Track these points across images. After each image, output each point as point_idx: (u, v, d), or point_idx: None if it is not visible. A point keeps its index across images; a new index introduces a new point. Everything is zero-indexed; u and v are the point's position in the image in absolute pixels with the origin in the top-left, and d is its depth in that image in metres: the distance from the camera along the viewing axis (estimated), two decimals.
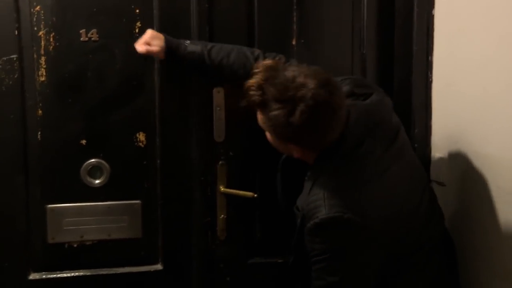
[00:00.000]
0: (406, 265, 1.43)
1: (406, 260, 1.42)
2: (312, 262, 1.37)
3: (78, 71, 1.72)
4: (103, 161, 1.77)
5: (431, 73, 1.78)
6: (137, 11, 1.72)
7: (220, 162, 1.82)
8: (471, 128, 1.61)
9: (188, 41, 1.66)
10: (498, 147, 1.49)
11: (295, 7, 1.81)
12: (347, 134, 1.35)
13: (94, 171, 1.77)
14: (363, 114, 1.39)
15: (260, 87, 1.31)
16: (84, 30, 1.70)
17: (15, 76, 1.68)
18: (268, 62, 1.39)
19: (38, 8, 1.67)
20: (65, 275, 1.79)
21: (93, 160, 1.76)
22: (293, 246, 1.49)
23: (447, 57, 1.71)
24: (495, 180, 1.51)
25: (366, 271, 1.37)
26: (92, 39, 1.70)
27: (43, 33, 1.68)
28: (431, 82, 1.79)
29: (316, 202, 1.34)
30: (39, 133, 1.73)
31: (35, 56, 1.69)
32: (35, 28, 1.68)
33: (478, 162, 1.58)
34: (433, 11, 1.76)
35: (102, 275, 1.81)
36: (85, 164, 1.76)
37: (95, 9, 1.70)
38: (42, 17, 1.68)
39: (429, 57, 1.78)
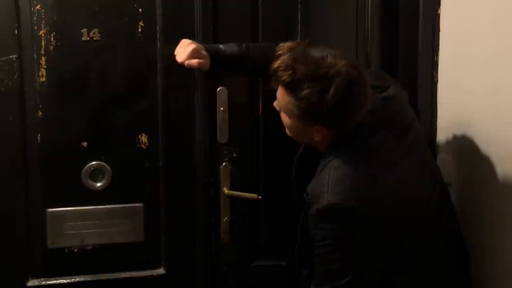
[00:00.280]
0: (414, 259, 1.41)
1: (414, 254, 1.41)
2: (314, 247, 1.37)
3: (79, 72, 1.68)
4: (104, 164, 1.73)
5: (436, 73, 1.77)
6: (140, 10, 1.69)
7: (224, 164, 1.80)
8: (478, 128, 1.60)
9: (221, 45, 1.64)
10: (507, 147, 1.49)
11: (299, 7, 1.79)
12: (362, 123, 1.36)
13: (96, 174, 1.73)
14: (379, 106, 1.40)
15: (289, 66, 1.29)
16: (85, 29, 1.66)
17: (15, 77, 1.64)
18: (291, 43, 1.37)
19: (38, 7, 1.63)
20: (65, 281, 1.75)
21: (94, 162, 1.73)
22: (299, 231, 1.50)
23: (453, 56, 1.71)
24: (504, 179, 1.50)
25: (368, 262, 1.35)
26: (94, 38, 1.67)
27: (43, 33, 1.64)
28: (436, 82, 1.78)
29: (321, 188, 1.34)
30: (39, 135, 1.69)
31: (35, 56, 1.65)
32: (36, 28, 1.64)
33: (486, 162, 1.57)
34: (438, 11, 1.75)
35: (103, 280, 1.77)
36: (86, 166, 1.72)
37: (97, 8, 1.66)
38: (43, 16, 1.64)
39: (435, 57, 1.77)
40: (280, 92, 1.36)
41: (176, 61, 1.61)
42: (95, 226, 1.75)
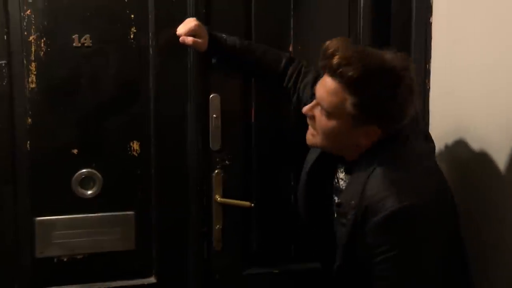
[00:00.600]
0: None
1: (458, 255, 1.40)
2: (377, 262, 1.28)
3: (70, 78, 1.66)
4: (95, 171, 1.71)
5: (428, 80, 1.78)
6: (132, 16, 1.67)
7: (216, 171, 1.78)
8: (470, 134, 1.62)
9: (224, 35, 1.63)
10: (499, 153, 1.50)
11: (292, 13, 1.79)
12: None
13: (86, 182, 1.71)
14: None
15: (355, 61, 1.25)
16: (77, 35, 1.64)
17: (4, 83, 1.61)
18: (338, 39, 1.32)
19: (28, 12, 1.60)
20: None
21: (85, 170, 1.70)
22: (341, 249, 1.38)
23: (445, 64, 1.72)
24: (497, 184, 1.52)
25: (436, 264, 1.31)
26: (85, 44, 1.65)
27: (33, 38, 1.62)
28: (429, 89, 1.79)
29: (381, 193, 1.27)
30: (29, 141, 1.65)
31: (25, 62, 1.62)
32: (25, 33, 1.61)
33: (479, 168, 1.58)
34: (431, 19, 1.77)
35: None
36: (77, 174, 1.69)
37: (88, 14, 1.64)
38: (33, 22, 1.61)
39: (427, 65, 1.78)
40: (333, 91, 1.29)
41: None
42: (86, 235, 1.72)
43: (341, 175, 1.47)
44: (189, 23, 1.60)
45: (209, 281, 1.82)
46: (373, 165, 1.32)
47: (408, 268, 1.28)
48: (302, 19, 1.81)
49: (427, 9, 1.77)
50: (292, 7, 1.80)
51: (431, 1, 1.77)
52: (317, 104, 1.35)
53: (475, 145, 1.60)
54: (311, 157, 1.56)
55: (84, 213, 1.72)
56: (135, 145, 1.73)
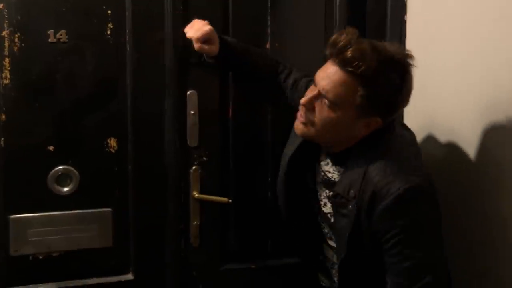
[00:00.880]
0: None
1: None
2: (390, 246, 1.30)
3: (46, 74, 1.63)
4: (72, 168, 1.69)
5: None
6: (109, 12, 1.65)
7: (194, 168, 1.78)
8: (444, 130, 1.66)
9: (228, 37, 1.64)
10: (471, 147, 1.55)
11: (269, 11, 1.81)
12: None
13: (63, 179, 1.69)
14: None
15: (369, 54, 1.28)
16: (52, 30, 1.61)
17: None
18: (349, 30, 1.34)
19: (1, 6, 1.57)
20: None
21: (61, 167, 1.68)
22: (344, 240, 1.39)
23: (420, 62, 1.73)
24: (469, 178, 1.56)
25: (441, 242, 1.36)
26: (61, 40, 1.62)
27: (7, 33, 1.58)
28: None
29: (387, 178, 1.30)
30: (3, 139, 1.62)
31: None
32: None
33: (452, 163, 1.63)
34: (405, 17, 1.80)
35: (70, 287, 1.72)
36: (53, 171, 1.67)
37: (64, 9, 1.62)
38: (6, 16, 1.58)
39: None
40: (344, 83, 1.31)
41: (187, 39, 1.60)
42: (62, 232, 1.70)
43: (327, 167, 1.49)
44: (203, 28, 1.58)
45: (186, 278, 1.82)
46: (370, 154, 1.35)
47: (422, 245, 1.31)
48: (279, 17, 1.83)
49: (402, 8, 1.80)
50: (269, 4, 1.81)
51: (405, 0, 1.80)
52: (319, 94, 1.36)
53: (448, 138, 1.65)
54: (288, 151, 1.57)
55: (60, 210, 1.70)
56: (112, 142, 1.72)
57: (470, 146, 1.56)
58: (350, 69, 1.29)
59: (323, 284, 1.64)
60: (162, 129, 1.75)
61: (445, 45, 1.64)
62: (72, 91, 1.67)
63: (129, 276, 1.79)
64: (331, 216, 1.48)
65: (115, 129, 1.72)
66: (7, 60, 1.60)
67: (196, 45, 1.60)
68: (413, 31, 1.79)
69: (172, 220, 1.78)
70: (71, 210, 1.71)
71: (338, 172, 1.45)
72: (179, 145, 1.76)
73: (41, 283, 1.71)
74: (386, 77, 1.30)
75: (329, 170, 1.48)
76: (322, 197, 1.52)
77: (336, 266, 1.51)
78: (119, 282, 1.77)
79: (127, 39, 1.69)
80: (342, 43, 1.30)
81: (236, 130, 1.83)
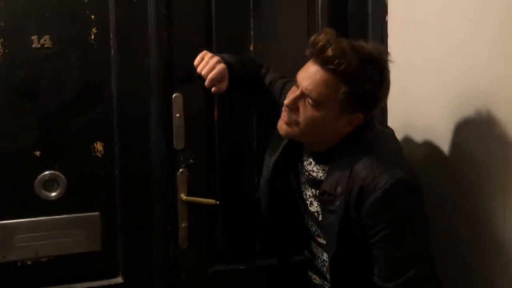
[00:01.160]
0: None
1: None
2: (378, 239, 1.33)
3: (30, 79, 1.64)
4: (58, 173, 1.69)
5: None
6: (93, 16, 1.66)
7: (181, 170, 1.79)
8: (426, 130, 1.68)
9: (229, 59, 1.61)
10: (453, 147, 1.57)
11: (252, 13, 1.82)
12: None
13: (50, 184, 1.69)
14: None
15: (349, 52, 1.31)
16: (36, 36, 1.62)
17: None
18: (327, 30, 1.37)
19: None
20: None
21: (48, 172, 1.68)
22: (333, 237, 1.41)
23: (401, 63, 1.76)
24: (452, 178, 1.58)
25: (428, 234, 1.38)
26: (45, 45, 1.63)
27: None
28: None
29: (374, 172, 1.33)
30: None
31: None
32: None
33: (434, 162, 1.65)
34: (386, 18, 1.82)
35: None
36: (40, 176, 1.68)
37: (47, 14, 1.62)
38: None
39: None
40: (326, 82, 1.33)
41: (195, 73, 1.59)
42: (50, 237, 1.70)
43: (310, 166, 1.51)
44: (216, 65, 1.55)
45: (175, 279, 1.83)
46: (354, 150, 1.39)
47: (409, 238, 1.34)
48: (262, 19, 1.85)
49: (383, 9, 1.83)
50: (252, 7, 1.83)
51: (386, 1, 1.83)
52: (302, 95, 1.38)
53: (430, 138, 1.67)
54: (272, 156, 1.59)
55: (48, 215, 1.70)
56: (99, 146, 1.72)
57: (447, 144, 1.58)
58: (332, 67, 1.31)
59: (316, 282, 1.66)
60: (148, 132, 1.76)
61: (425, 45, 1.66)
62: (57, 96, 1.67)
63: (119, 280, 1.79)
64: (318, 214, 1.50)
65: (101, 133, 1.72)
66: None
67: (208, 83, 1.56)
68: (394, 32, 1.82)
69: (160, 223, 1.79)
70: (59, 215, 1.71)
71: (323, 170, 1.47)
72: (166, 147, 1.77)
73: None
74: (366, 73, 1.33)
75: (313, 169, 1.50)
76: (307, 196, 1.54)
77: (326, 264, 1.53)
78: (109, 286, 1.78)
79: (111, 43, 1.69)
80: (321, 42, 1.33)
81: (221, 132, 1.85)
